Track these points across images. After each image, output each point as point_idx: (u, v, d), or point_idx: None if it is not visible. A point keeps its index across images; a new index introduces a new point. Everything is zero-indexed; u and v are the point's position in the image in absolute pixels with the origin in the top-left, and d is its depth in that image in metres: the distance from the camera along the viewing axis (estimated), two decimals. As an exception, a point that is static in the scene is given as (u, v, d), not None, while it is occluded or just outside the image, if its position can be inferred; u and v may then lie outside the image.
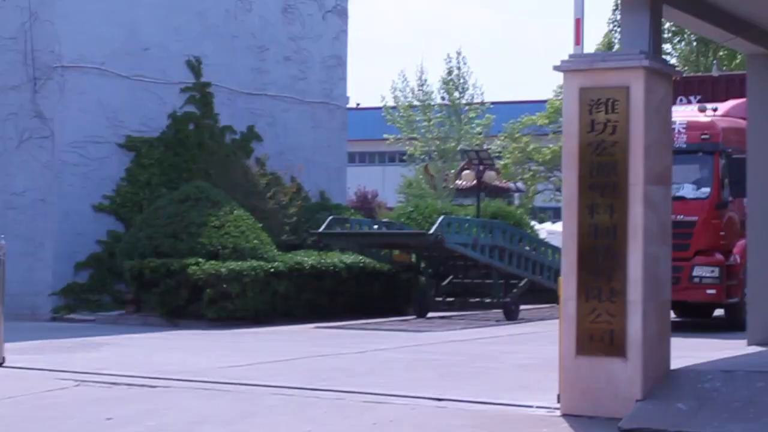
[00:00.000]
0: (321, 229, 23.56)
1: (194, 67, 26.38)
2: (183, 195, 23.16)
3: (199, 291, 21.57)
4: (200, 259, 21.74)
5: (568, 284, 11.32)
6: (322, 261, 23.38)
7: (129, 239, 23.08)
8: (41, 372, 14.54)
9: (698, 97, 23.11)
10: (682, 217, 19.74)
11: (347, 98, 31.42)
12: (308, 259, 23.28)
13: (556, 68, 11.67)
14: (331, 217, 24.23)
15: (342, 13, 30.46)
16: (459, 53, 55.61)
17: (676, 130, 19.82)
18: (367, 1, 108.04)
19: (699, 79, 26.12)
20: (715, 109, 21.46)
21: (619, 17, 17.89)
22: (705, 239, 20.57)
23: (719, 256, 20.50)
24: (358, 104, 61.11)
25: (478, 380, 14.01)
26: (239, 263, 21.87)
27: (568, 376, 11.23)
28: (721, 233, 20.64)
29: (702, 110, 21.34)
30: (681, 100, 22.54)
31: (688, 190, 20.76)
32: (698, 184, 20.83)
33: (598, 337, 11.10)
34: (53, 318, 23.24)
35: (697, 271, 20.47)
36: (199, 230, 22.33)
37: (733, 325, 20.13)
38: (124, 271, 22.64)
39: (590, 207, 11.22)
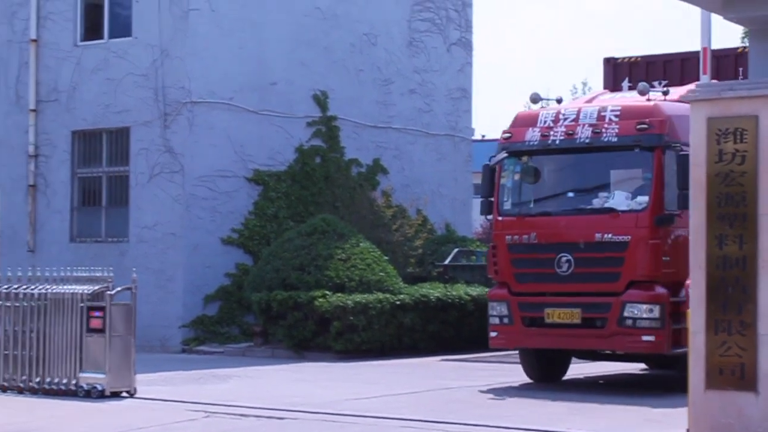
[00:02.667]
0: (446, 262, 23.56)
1: (320, 100, 26.64)
2: (310, 228, 23.36)
3: (326, 323, 21.70)
4: (327, 292, 21.87)
5: (696, 317, 11.12)
6: (448, 293, 23.35)
7: (257, 272, 23.34)
8: (171, 403, 14.77)
9: (664, 83, 18.65)
10: (609, 236, 15.71)
11: (472, 130, 31.43)
12: (434, 291, 23.27)
13: (683, 98, 11.54)
14: (456, 250, 24.21)
15: (467, 45, 30.52)
16: (585, 83, 55.16)
17: (607, 119, 16.05)
18: (491, 32, 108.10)
19: (665, 60, 19.81)
20: (665, 92, 16.66)
21: (747, 45, 17.14)
22: (641, 266, 15.61)
23: (661, 290, 15.57)
24: (483, 136, 60.99)
25: (606, 414, 13.85)
26: (365, 296, 21.96)
27: (697, 410, 11.03)
28: (665, 258, 15.64)
29: (643, 92, 16.27)
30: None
31: (619, 200, 16.00)
32: (633, 191, 16.05)
33: (728, 371, 10.87)
34: (183, 350, 23.58)
35: (630, 311, 15.55)
36: (326, 263, 22.48)
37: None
38: (252, 304, 22.88)
39: (719, 238, 11.02)
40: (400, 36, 28.68)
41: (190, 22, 24.28)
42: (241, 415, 13.70)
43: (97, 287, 15.54)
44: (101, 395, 15.09)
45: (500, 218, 16.79)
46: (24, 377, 15.78)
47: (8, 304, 16.06)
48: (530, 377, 17.56)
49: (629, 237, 15.52)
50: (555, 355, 17.48)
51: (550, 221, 16.36)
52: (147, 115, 24.49)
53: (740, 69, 17.22)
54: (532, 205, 16.86)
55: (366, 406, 14.44)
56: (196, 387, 16.84)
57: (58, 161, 25.69)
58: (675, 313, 15.32)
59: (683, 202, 14.53)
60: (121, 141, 25.06)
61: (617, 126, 15.82)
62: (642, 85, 16.39)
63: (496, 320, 16.65)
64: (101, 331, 15.26)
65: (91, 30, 25.68)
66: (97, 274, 15.83)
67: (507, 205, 16.86)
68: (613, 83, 17.67)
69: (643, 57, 18.40)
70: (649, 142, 15.57)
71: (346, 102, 27.08)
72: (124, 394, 15.31)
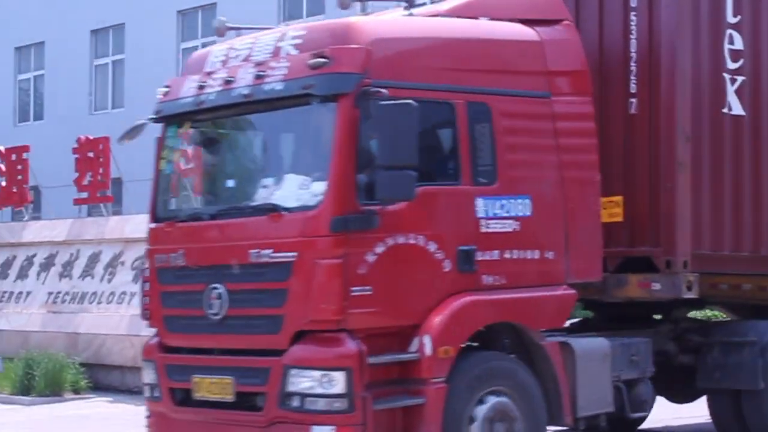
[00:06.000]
0: None
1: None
2: None
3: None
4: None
5: None
6: None
7: None
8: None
9: None
10: (268, 253, 9.03)
11: None
12: None
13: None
14: None
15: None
16: None
17: (282, 53, 9.41)
18: None
19: None
20: (410, 4, 9.90)
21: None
22: (312, 304, 8.86)
23: (350, 345, 8.78)
24: None
25: None
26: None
27: None
28: (359, 289, 8.85)
29: (345, 5, 9.74)
30: None
31: (288, 190, 9.24)
32: (307, 174, 9.18)
33: None
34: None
35: (294, 382, 8.87)
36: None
37: None
38: None
39: None
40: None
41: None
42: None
43: None
44: None
45: (152, 225, 10.29)
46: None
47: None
48: None
49: (294, 254, 8.93)
50: None
51: (199, 230, 9.88)
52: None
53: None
54: (183, 204, 10.41)
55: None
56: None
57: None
58: (387, 382, 8.96)
59: (394, 189, 8.74)
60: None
61: (289, 63, 9.23)
62: None
63: (147, 392, 10.26)
64: None
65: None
66: None
67: (161, 205, 10.35)
68: None
69: None
70: (327, 88, 8.89)
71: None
72: None
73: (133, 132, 10.73)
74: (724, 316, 13.52)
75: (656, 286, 10.73)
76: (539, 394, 9.65)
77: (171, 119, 10.13)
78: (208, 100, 9.73)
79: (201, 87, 9.82)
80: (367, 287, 8.87)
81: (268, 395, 9.02)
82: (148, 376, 10.12)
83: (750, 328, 11.55)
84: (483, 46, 9.81)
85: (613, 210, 10.85)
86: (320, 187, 8.89)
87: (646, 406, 10.86)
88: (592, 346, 10.26)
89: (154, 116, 10.27)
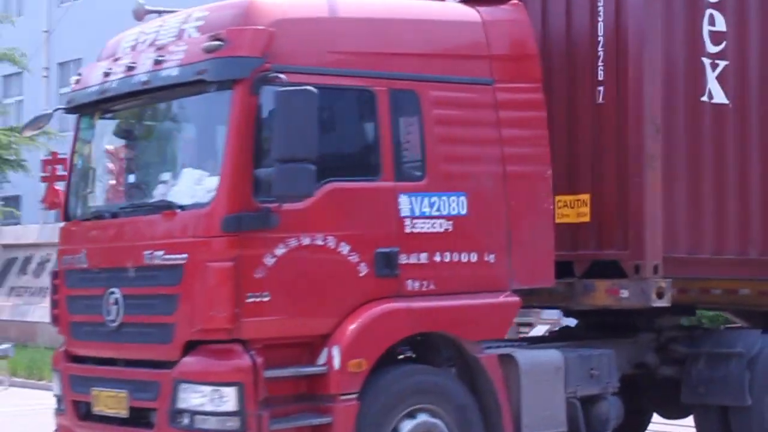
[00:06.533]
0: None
1: None
2: None
3: None
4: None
5: None
6: None
7: None
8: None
9: None
10: (161, 254, 8.31)
11: None
12: None
13: None
14: None
15: None
16: None
17: (185, 36, 8.66)
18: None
19: None
20: None
21: None
22: (201, 312, 8.08)
23: (244, 358, 7.98)
24: None
25: None
26: None
27: None
28: (254, 296, 8.04)
29: None
30: None
31: (185, 186, 8.54)
32: (204, 168, 8.51)
33: None
34: None
35: (184, 398, 8.09)
36: None
37: None
38: None
39: None
40: None
41: None
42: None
43: None
44: None
45: (63, 224, 9.70)
46: None
47: None
48: None
49: (185, 256, 8.21)
50: None
51: (100, 229, 9.22)
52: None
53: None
54: (89, 202, 9.66)
55: None
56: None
57: None
58: (292, 398, 8.22)
59: (290, 184, 7.89)
60: None
61: (187, 47, 8.48)
62: None
63: (56, 404, 9.57)
64: None
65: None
66: None
67: (72, 202, 9.63)
68: None
69: None
70: (220, 73, 8.13)
71: None
72: None
73: (37, 122, 10.03)
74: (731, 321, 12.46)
75: (624, 293, 9.70)
76: (476, 412, 8.76)
77: (80, 109, 9.47)
78: (110, 89, 9.02)
79: (107, 74, 9.11)
80: (265, 293, 8.09)
81: (159, 411, 8.30)
82: (56, 387, 9.47)
83: (738, 338, 10.60)
84: (411, 28, 8.98)
85: (580, 209, 10.02)
86: (214, 182, 8.19)
87: (608, 425, 9.67)
88: (540, 359, 9.30)
89: (65, 106, 9.63)
